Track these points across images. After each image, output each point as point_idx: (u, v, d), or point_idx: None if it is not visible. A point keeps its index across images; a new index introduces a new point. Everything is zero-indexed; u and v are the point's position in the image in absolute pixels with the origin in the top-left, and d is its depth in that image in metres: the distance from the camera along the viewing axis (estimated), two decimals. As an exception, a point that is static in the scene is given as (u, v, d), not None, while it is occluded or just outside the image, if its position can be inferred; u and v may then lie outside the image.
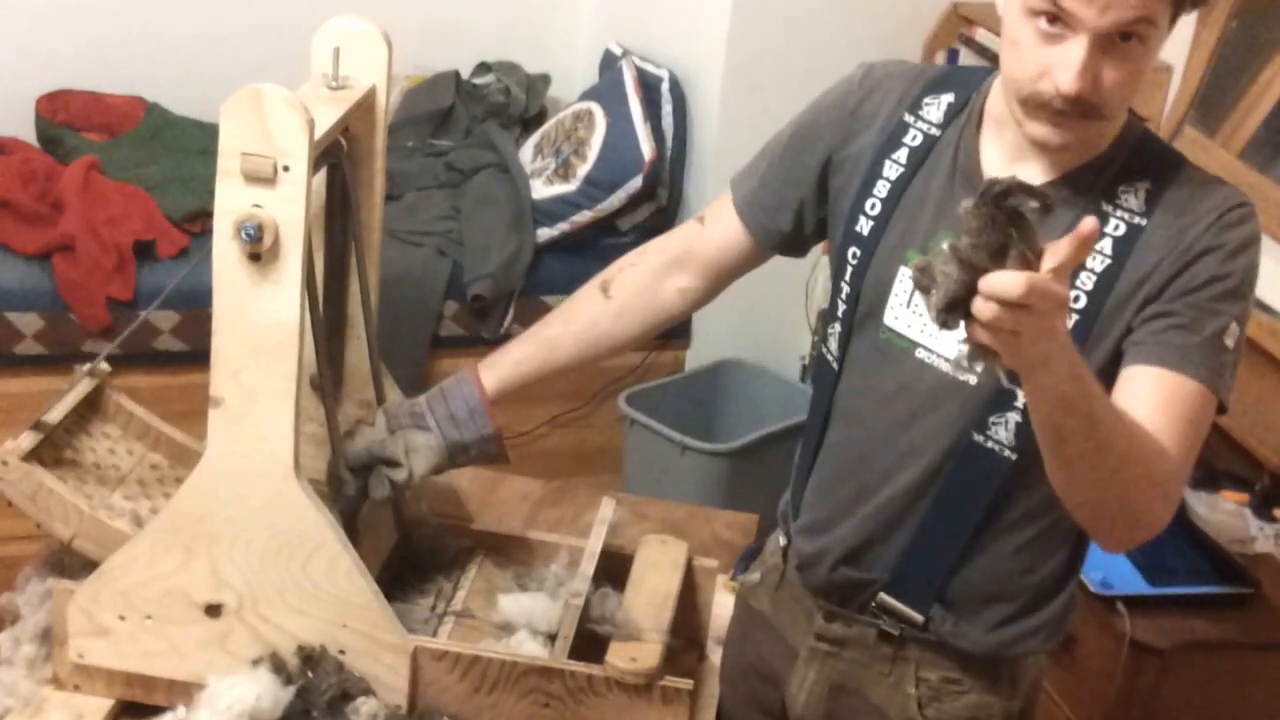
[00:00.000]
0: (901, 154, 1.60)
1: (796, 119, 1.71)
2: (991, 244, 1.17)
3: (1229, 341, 1.45)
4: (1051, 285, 1.16)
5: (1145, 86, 2.95)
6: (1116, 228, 1.49)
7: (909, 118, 1.61)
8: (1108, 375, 1.48)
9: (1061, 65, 1.40)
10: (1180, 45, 2.93)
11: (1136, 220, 1.48)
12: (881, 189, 1.60)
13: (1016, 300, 1.15)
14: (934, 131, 1.59)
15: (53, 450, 1.65)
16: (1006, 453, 1.53)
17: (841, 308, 1.65)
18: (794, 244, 1.72)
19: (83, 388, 1.72)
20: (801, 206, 1.68)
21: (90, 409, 1.74)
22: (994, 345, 1.20)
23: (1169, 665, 2.37)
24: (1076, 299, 1.47)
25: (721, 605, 1.85)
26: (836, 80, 1.70)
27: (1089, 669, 2.43)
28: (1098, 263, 1.48)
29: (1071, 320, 1.45)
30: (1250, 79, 2.85)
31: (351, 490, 1.61)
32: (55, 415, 1.66)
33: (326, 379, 1.61)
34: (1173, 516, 1.46)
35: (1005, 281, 1.15)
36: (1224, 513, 2.62)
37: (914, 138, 1.60)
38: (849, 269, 1.63)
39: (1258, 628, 2.43)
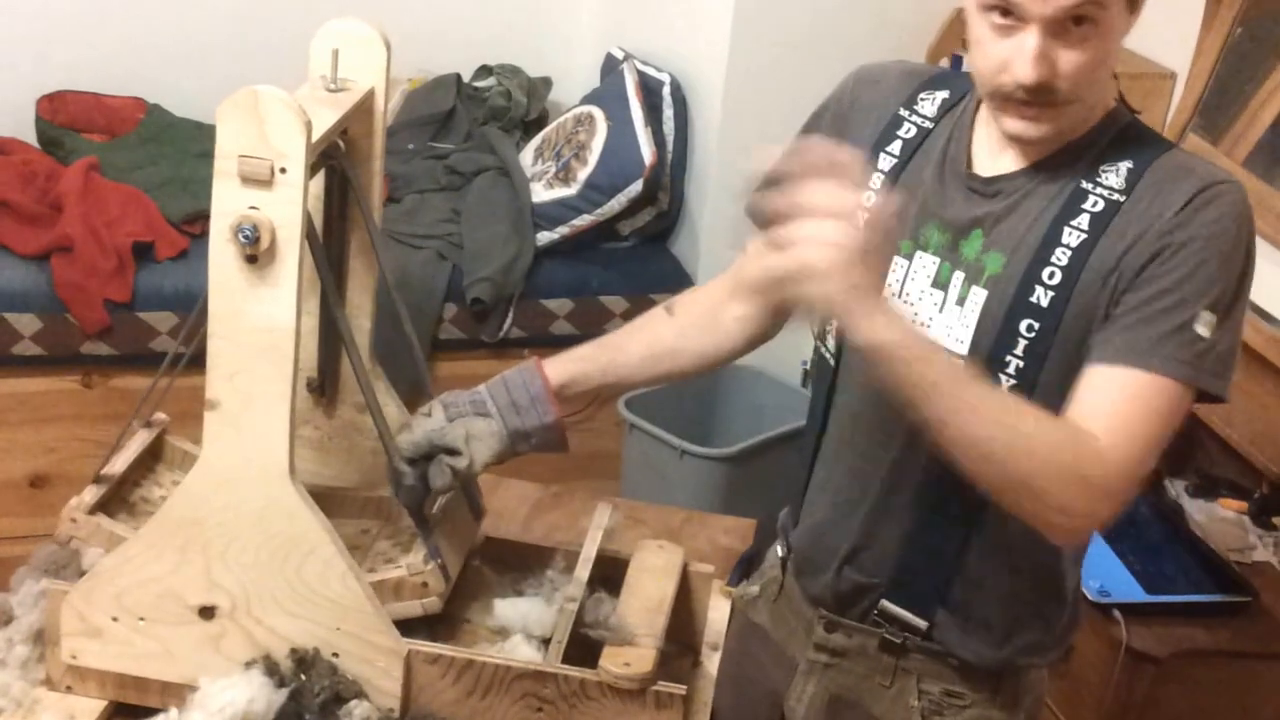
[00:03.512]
0: (895, 146, 1.62)
1: (799, 133, 1.72)
2: None
3: (1201, 330, 1.43)
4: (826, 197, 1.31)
5: (1148, 90, 2.96)
6: (1095, 204, 1.49)
7: (904, 111, 1.63)
8: (1081, 353, 1.48)
9: (1018, 57, 1.43)
10: (1184, 52, 2.93)
11: (1116, 197, 1.48)
12: (875, 181, 1.62)
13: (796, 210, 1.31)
14: (927, 124, 1.62)
15: (120, 502, 1.65)
16: None
17: None
18: None
19: (141, 440, 1.72)
20: None
21: (153, 457, 1.73)
22: (803, 271, 1.31)
23: (1166, 674, 2.36)
24: (1052, 275, 1.48)
25: (717, 611, 1.84)
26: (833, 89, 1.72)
27: (1085, 677, 2.42)
28: (1074, 238, 1.48)
29: (1047, 297, 1.48)
30: (1255, 86, 2.85)
31: (411, 481, 1.57)
32: (117, 468, 1.66)
33: (365, 377, 1.60)
34: (1114, 509, 1.44)
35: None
36: (1222, 521, 2.62)
37: (907, 130, 1.62)
38: None
39: (1255, 637, 2.42)
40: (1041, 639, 1.65)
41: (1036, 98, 1.45)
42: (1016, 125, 1.48)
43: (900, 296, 1.59)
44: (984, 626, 1.62)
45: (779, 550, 1.80)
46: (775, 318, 1.76)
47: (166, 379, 1.62)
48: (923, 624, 1.63)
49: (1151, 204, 1.46)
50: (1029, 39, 1.41)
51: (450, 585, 1.60)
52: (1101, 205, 1.48)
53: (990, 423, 1.40)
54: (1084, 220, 1.48)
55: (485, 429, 1.58)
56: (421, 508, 1.59)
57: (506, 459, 1.61)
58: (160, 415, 1.75)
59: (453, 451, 1.57)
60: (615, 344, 1.73)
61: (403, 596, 1.57)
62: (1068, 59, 1.43)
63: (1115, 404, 1.44)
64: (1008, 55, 1.44)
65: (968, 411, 1.39)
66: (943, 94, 1.63)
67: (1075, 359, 1.49)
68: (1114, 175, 1.49)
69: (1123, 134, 1.53)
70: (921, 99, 1.63)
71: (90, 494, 1.61)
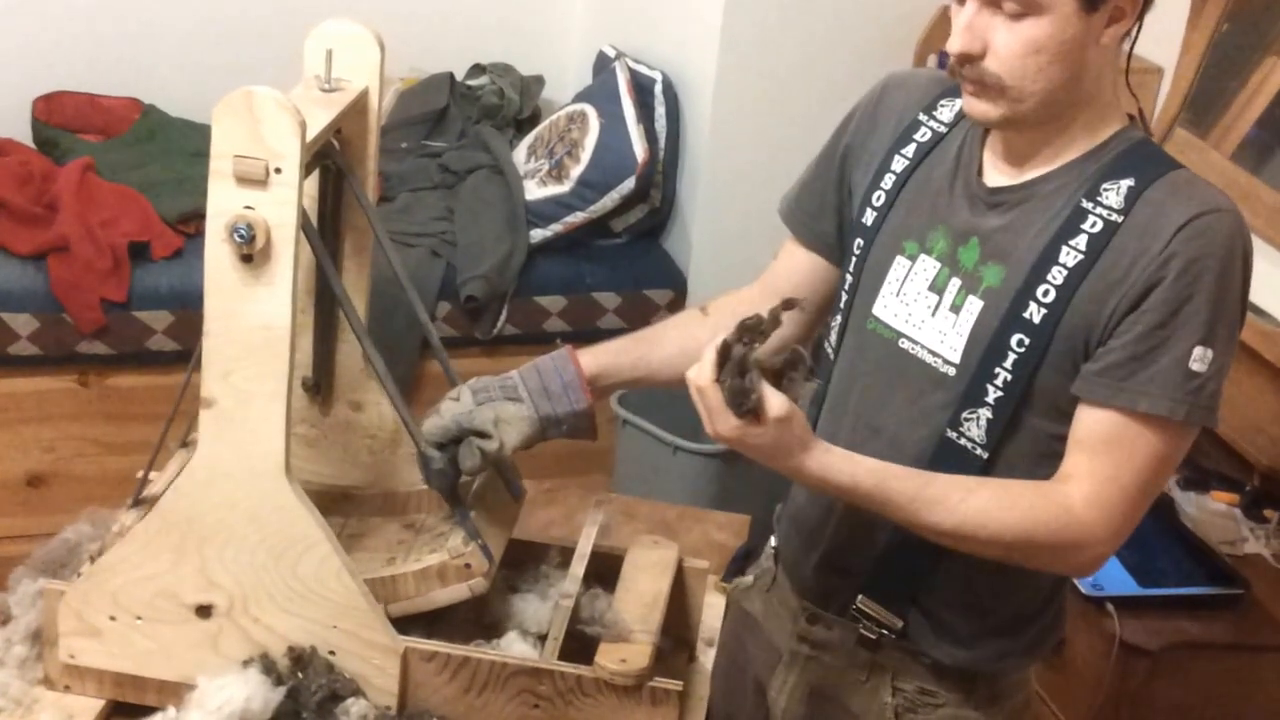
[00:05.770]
0: (910, 149, 1.64)
1: (831, 137, 1.75)
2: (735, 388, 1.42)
3: (1196, 365, 1.45)
4: (724, 430, 1.44)
5: (1135, 85, 2.97)
6: (1094, 225, 1.49)
7: (922, 116, 1.65)
8: (1073, 371, 1.50)
9: (953, 30, 1.47)
10: (1170, 47, 2.94)
11: (1114, 217, 1.49)
12: (888, 181, 1.64)
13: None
14: (942, 130, 1.63)
15: None
16: (978, 450, 1.55)
17: (843, 299, 1.68)
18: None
19: (179, 460, 1.73)
20: (839, 206, 1.71)
21: None
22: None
23: (1158, 666, 2.37)
24: (1046, 293, 1.49)
25: (712, 606, 1.85)
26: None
27: (1078, 670, 2.43)
28: (1071, 258, 1.49)
29: (1040, 314, 1.49)
30: (1241, 81, 2.86)
31: (440, 464, 1.56)
32: (156, 489, 1.67)
33: (379, 363, 1.59)
34: (1106, 548, 1.52)
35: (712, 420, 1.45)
36: (1214, 514, 2.63)
37: (924, 134, 1.64)
38: (852, 260, 1.66)
39: (1247, 629, 2.43)
40: (1013, 645, 1.65)
41: (966, 72, 1.48)
42: (965, 102, 1.52)
43: (899, 296, 1.60)
44: (955, 629, 1.63)
45: (773, 541, 1.81)
46: (809, 323, 1.77)
47: (189, 379, 1.61)
48: (898, 622, 1.64)
49: (1145, 231, 1.46)
50: (964, 13, 1.47)
51: (495, 565, 1.59)
52: (1100, 226, 1.49)
53: (957, 516, 1.48)
54: (1082, 241, 1.49)
55: (515, 413, 1.58)
56: (455, 490, 1.59)
57: (535, 443, 1.61)
58: (195, 436, 1.76)
59: (482, 434, 1.57)
60: (649, 339, 1.74)
61: (448, 581, 1.57)
62: (998, 38, 1.46)
63: (1099, 449, 1.48)
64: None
65: (930, 514, 1.48)
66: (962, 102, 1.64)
67: (1061, 376, 1.50)
68: (1114, 194, 1.50)
69: (1128, 152, 1.53)
70: (941, 105, 1.65)
71: (130, 517, 1.62)
